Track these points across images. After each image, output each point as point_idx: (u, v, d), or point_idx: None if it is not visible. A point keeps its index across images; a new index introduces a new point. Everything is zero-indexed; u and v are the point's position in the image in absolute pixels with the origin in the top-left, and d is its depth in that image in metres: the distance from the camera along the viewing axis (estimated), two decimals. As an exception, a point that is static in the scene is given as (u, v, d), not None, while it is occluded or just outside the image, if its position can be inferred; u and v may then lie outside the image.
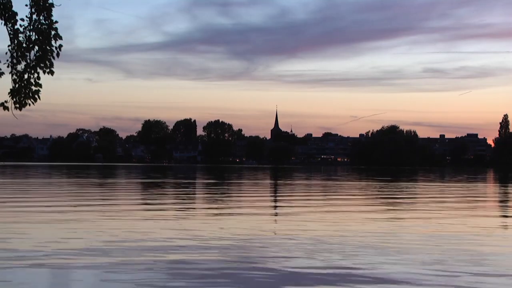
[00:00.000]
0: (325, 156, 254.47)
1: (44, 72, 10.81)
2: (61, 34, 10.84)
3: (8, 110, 10.74)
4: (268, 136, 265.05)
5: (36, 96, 10.90)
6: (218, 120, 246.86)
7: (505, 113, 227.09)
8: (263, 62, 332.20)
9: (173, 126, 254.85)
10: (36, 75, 10.82)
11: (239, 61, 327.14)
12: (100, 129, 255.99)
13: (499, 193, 42.14)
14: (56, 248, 13.22)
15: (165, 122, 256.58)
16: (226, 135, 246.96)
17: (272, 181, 59.26)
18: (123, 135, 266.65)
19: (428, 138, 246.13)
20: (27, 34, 10.75)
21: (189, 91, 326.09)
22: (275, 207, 27.48)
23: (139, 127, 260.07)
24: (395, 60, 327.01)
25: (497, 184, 57.98)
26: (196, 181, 59.78)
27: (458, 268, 11.68)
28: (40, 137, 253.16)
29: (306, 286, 10.15)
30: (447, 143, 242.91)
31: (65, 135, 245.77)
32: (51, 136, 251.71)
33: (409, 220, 20.85)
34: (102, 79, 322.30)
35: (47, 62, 10.76)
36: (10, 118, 12.26)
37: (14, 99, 10.78)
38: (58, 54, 10.83)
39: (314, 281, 10.45)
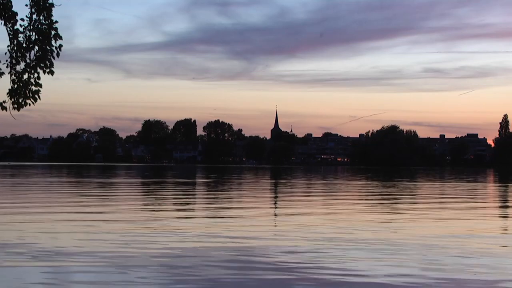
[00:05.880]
0: (325, 156, 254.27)
1: (44, 72, 10.79)
2: (60, 34, 10.82)
3: (6, 110, 10.71)
4: (268, 136, 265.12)
5: (36, 96, 10.88)
6: (218, 120, 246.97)
7: (505, 113, 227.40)
8: (263, 62, 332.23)
9: (173, 126, 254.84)
10: (36, 75, 10.80)
11: (239, 61, 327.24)
12: (100, 129, 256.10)
13: (500, 193, 42.12)
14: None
15: (165, 122, 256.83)
16: (226, 135, 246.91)
17: (273, 182, 59.23)
18: (123, 135, 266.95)
19: (428, 138, 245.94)
20: (27, 34, 10.72)
21: (189, 91, 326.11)
22: (276, 208, 27.46)
23: (139, 127, 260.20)
24: (395, 60, 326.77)
25: (498, 185, 57.94)
26: (200, 181, 59.78)
27: (457, 270, 11.66)
28: (40, 137, 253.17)
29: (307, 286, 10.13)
30: (447, 143, 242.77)
31: (65, 135, 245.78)
32: (51, 136, 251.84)
33: (410, 222, 20.83)
34: (101, 79, 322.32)
35: (47, 62, 10.73)
36: (10, 118, 12.25)
37: (12, 100, 10.76)
38: (58, 54, 10.80)
39: (314, 282, 10.43)
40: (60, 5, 10.83)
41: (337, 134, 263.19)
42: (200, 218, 20.94)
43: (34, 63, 10.74)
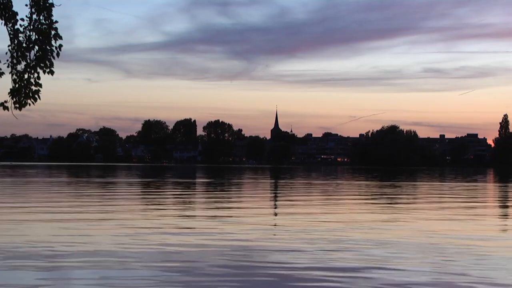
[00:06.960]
0: (325, 156, 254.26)
1: (44, 72, 10.79)
2: (60, 34, 10.83)
3: (8, 110, 10.72)
4: (268, 136, 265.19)
5: (36, 96, 10.89)
6: (218, 120, 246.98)
7: (505, 113, 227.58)
8: (263, 62, 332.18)
9: (173, 126, 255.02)
10: (36, 75, 10.81)
11: (239, 61, 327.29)
12: (100, 129, 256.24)
13: (501, 194, 42.14)
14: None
15: (165, 122, 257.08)
16: (226, 135, 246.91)
17: (272, 182, 59.24)
18: (123, 135, 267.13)
19: (428, 138, 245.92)
20: (27, 34, 10.73)
21: (189, 91, 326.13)
22: (275, 208, 27.48)
23: (139, 127, 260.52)
24: (395, 60, 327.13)
25: (498, 185, 57.95)
26: (200, 181, 59.79)
27: (456, 271, 11.67)
28: (40, 137, 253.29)
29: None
30: (447, 143, 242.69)
31: (65, 135, 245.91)
32: (51, 136, 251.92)
33: (411, 222, 20.84)
34: (101, 79, 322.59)
35: (47, 62, 10.74)
36: (10, 118, 12.27)
37: (14, 99, 10.77)
38: (58, 54, 10.81)
39: (315, 282, 10.44)
40: (60, 5, 10.85)
41: (337, 134, 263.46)
42: (198, 220, 20.96)
43: (34, 63, 10.76)
